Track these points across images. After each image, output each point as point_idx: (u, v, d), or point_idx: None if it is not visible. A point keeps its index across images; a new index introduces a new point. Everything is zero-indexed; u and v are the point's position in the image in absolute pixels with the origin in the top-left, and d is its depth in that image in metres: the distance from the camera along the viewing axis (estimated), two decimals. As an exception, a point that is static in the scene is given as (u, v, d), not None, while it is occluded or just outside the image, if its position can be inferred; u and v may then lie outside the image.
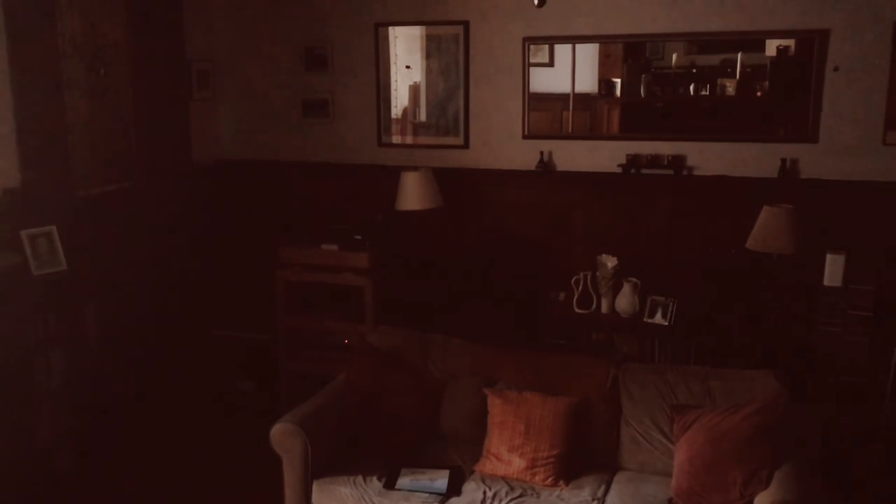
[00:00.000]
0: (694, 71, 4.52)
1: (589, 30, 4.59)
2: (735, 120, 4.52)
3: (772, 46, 4.37)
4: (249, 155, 5.42)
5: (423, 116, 5.05)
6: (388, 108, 5.09)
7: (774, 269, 4.24)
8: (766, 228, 4.05)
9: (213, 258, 5.25)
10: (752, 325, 4.29)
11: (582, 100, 4.73)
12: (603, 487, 3.40)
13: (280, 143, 5.34)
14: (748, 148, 4.44)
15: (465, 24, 4.81)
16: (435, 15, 4.87)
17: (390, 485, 3.41)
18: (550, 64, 4.75)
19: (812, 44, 4.24)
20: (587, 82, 4.70)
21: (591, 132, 4.74)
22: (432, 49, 4.95)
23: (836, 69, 4.22)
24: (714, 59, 4.50)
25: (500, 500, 3.31)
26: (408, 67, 5.03)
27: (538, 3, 3.07)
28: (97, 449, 4.18)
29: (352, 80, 5.11)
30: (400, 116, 5.10)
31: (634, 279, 4.45)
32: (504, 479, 3.45)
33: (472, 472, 3.53)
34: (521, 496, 3.34)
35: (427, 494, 3.35)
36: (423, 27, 4.93)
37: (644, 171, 4.60)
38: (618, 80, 4.65)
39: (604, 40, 4.61)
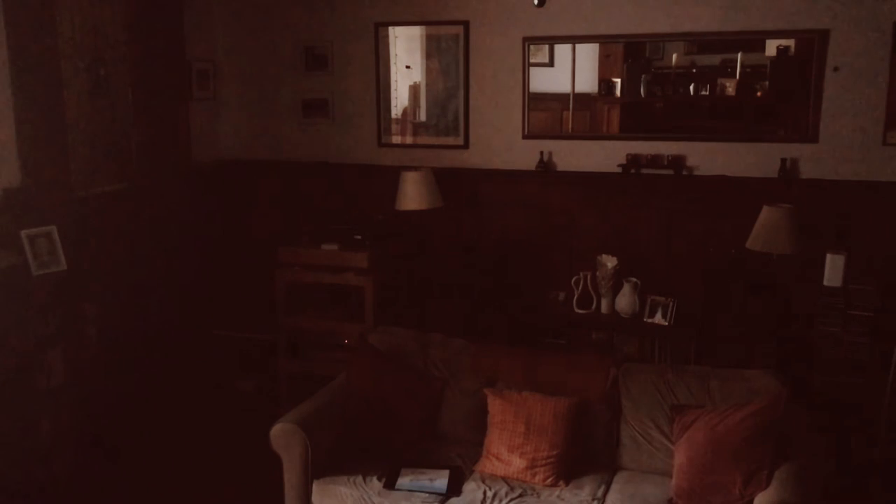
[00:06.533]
0: (694, 71, 4.52)
1: (589, 30, 4.59)
2: (735, 120, 4.52)
3: (772, 46, 4.37)
4: (249, 155, 5.42)
5: (423, 116, 5.05)
6: (388, 108, 5.09)
7: (774, 269, 4.24)
8: (766, 228, 4.05)
9: (212, 258, 5.25)
10: (752, 325, 4.29)
11: (582, 100, 4.73)
12: (603, 487, 3.40)
13: (280, 144, 5.34)
14: (748, 148, 4.44)
15: (465, 24, 4.81)
16: (435, 15, 4.87)
17: (390, 485, 3.41)
18: (550, 64, 4.75)
19: (812, 44, 4.24)
20: (587, 82, 4.70)
21: (591, 132, 4.74)
22: (432, 49, 4.95)
23: (836, 69, 4.22)
24: (714, 59, 4.50)
25: (500, 500, 3.31)
26: (408, 67, 5.03)
27: (538, 3, 3.08)
28: (97, 449, 4.18)
29: (352, 80, 5.11)
30: (400, 116, 5.10)
31: (634, 279, 4.45)
32: (504, 479, 3.45)
33: (472, 472, 3.53)
34: (521, 496, 3.34)
35: (427, 494, 3.35)
36: (423, 27, 4.93)
37: (644, 171, 4.60)
38: (618, 80, 4.65)
39: (604, 40, 4.61)
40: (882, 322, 4.06)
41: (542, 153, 4.77)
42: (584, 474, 3.46)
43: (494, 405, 3.60)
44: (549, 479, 3.39)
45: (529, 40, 4.71)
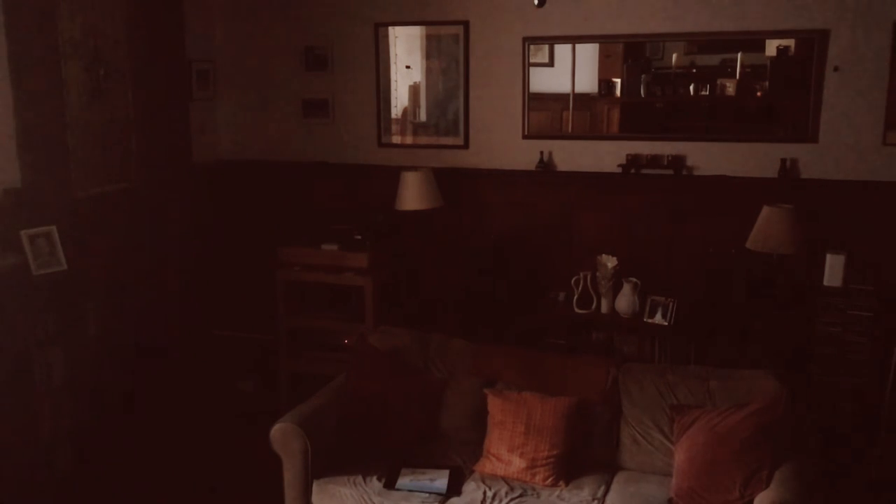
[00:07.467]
0: (694, 71, 4.52)
1: (589, 30, 4.59)
2: (735, 120, 4.53)
3: (772, 46, 4.37)
4: (249, 155, 5.42)
5: (423, 116, 5.06)
6: (388, 108, 5.09)
7: (774, 268, 4.24)
8: (766, 228, 4.06)
9: (212, 258, 5.25)
10: (752, 326, 4.29)
11: (582, 100, 4.73)
12: (603, 487, 3.39)
13: (280, 143, 5.34)
14: (748, 148, 4.44)
15: (465, 24, 4.81)
16: (435, 15, 4.87)
17: (390, 485, 3.41)
18: (550, 64, 4.75)
19: (812, 44, 4.24)
20: (587, 82, 4.70)
21: (591, 132, 4.74)
22: (432, 49, 4.95)
23: (836, 69, 4.22)
24: (714, 59, 4.50)
25: (500, 500, 3.31)
26: (408, 67, 5.03)
27: (538, 3, 3.07)
28: (97, 449, 4.17)
29: (352, 80, 5.11)
30: (400, 116, 5.10)
31: (634, 279, 4.45)
32: (504, 479, 3.45)
33: (472, 472, 3.53)
34: (521, 496, 3.33)
35: (427, 494, 3.35)
36: (423, 27, 4.93)
37: (644, 171, 4.60)
38: (618, 80, 4.65)
39: (604, 40, 4.61)
40: (882, 322, 4.06)
41: (542, 153, 4.77)
42: (584, 474, 3.46)
43: (494, 405, 3.60)
44: (549, 479, 3.39)
45: (529, 40, 4.71)
